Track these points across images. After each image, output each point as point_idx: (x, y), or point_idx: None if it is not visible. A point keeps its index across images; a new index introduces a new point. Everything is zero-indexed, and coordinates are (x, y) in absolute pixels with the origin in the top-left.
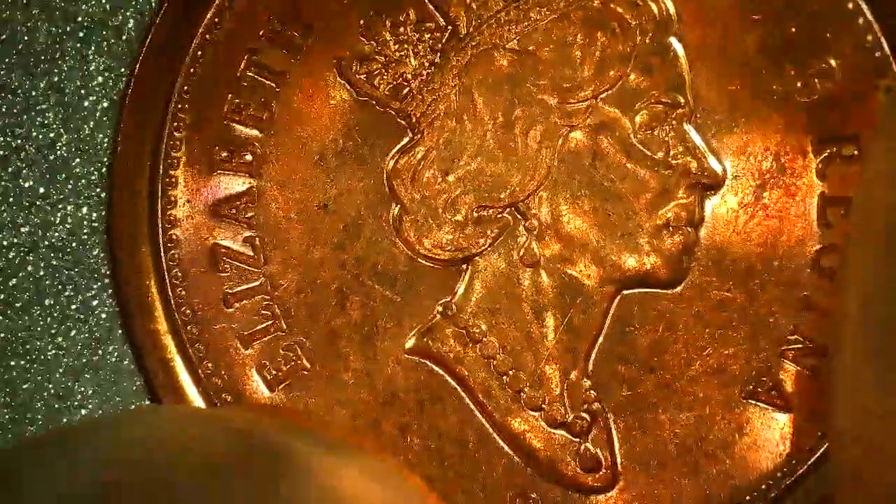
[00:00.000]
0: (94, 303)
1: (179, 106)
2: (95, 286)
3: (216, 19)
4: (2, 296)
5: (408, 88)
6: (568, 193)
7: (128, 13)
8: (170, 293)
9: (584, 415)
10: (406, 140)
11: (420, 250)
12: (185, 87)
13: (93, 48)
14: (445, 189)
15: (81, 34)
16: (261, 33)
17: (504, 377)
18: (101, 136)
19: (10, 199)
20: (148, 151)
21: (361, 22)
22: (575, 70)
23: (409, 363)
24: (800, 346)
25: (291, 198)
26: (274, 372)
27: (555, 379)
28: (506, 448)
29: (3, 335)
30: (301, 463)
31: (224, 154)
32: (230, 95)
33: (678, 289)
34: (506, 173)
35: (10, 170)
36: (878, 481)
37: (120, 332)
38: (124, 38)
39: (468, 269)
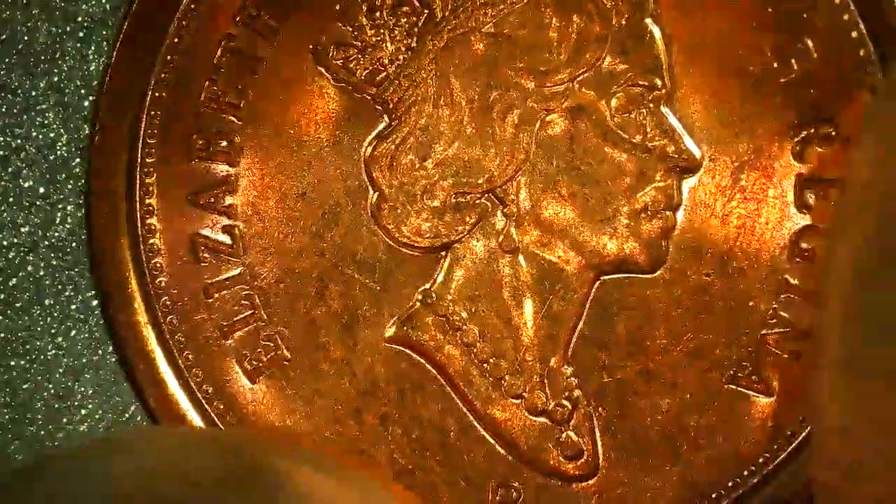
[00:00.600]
0: (94, 303)
1: (156, 94)
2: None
3: (192, 5)
4: (2, 296)
5: (384, 74)
6: (546, 178)
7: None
8: (149, 284)
9: (564, 402)
10: (383, 126)
11: (399, 237)
12: (162, 75)
13: (93, 48)
14: (423, 175)
15: (81, 34)
16: (237, 19)
17: (485, 365)
18: None
19: (10, 199)
20: (125, 141)
21: (337, 7)
22: (551, 53)
23: (390, 352)
24: (780, 330)
25: (270, 186)
26: (255, 363)
27: (535, 366)
28: (487, 437)
29: (3, 335)
30: (297, 486)
31: (201, 142)
32: (207, 83)
33: (657, 273)
34: (483, 158)
35: (10, 170)
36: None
37: None
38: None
39: (447, 257)
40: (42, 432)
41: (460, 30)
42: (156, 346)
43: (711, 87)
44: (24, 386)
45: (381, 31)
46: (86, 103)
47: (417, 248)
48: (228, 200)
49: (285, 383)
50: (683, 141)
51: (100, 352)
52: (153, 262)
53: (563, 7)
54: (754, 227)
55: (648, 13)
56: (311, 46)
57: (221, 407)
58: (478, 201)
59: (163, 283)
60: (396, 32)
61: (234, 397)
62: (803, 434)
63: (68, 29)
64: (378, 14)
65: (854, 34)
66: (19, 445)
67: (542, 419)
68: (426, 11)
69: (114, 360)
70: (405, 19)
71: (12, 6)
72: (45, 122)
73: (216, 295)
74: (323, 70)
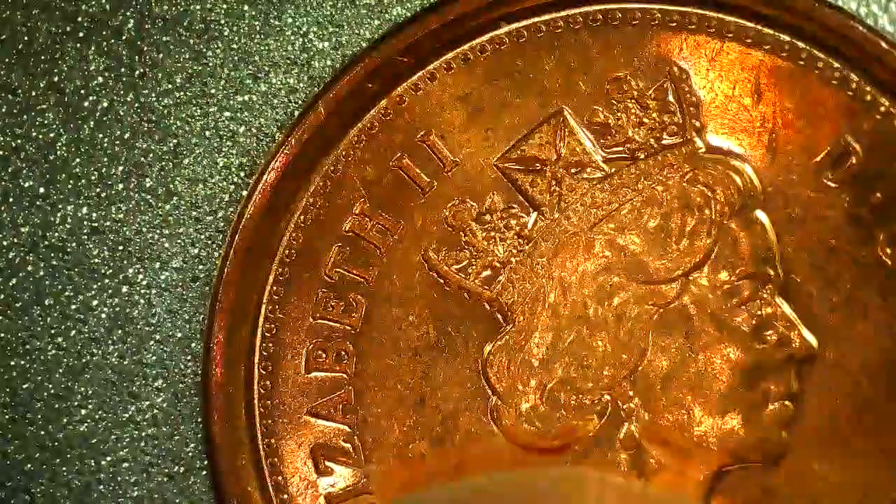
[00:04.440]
0: (94, 303)
1: (269, 308)
2: (95, 286)
3: (302, 218)
4: (2, 296)
5: (498, 277)
6: (663, 374)
7: (128, 13)
8: (272, 498)
9: None
10: (499, 329)
11: (519, 439)
12: (275, 287)
13: (93, 48)
14: (542, 378)
15: (81, 34)
16: (347, 228)
17: None
18: (100, 135)
19: (10, 199)
20: (241, 357)
21: (447, 212)
22: (664, 249)
23: None
24: None
25: (387, 394)
26: None
27: None
28: None
29: (3, 335)
30: None
31: (319, 353)
32: (320, 293)
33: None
34: (602, 358)
35: (10, 170)
36: None
37: (120, 332)
38: (124, 38)
39: (569, 457)
40: (42, 432)
41: (572, 230)
42: None
43: (825, 275)
44: (24, 386)
45: (492, 233)
46: (86, 103)
47: (540, 450)
48: (348, 411)
49: None
50: (800, 330)
51: (100, 352)
52: (275, 477)
53: (672, 203)
54: (875, 408)
55: (758, 204)
56: (422, 252)
57: None
58: (597, 401)
59: (286, 498)
60: (507, 235)
61: None
62: None
63: (68, 29)
64: (488, 217)
65: None
66: (19, 445)
67: None
68: (535, 213)
69: (114, 359)
70: (515, 221)
71: (12, 6)
72: (45, 122)
73: None
74: (436, 276)
